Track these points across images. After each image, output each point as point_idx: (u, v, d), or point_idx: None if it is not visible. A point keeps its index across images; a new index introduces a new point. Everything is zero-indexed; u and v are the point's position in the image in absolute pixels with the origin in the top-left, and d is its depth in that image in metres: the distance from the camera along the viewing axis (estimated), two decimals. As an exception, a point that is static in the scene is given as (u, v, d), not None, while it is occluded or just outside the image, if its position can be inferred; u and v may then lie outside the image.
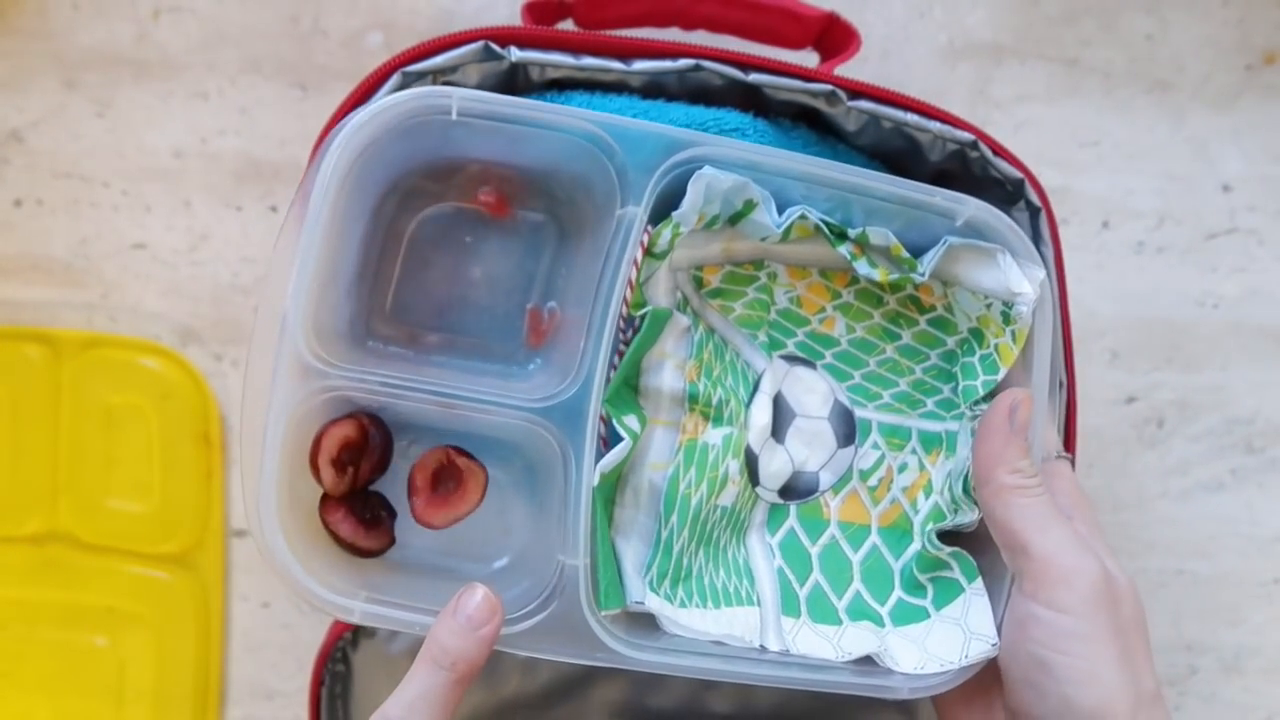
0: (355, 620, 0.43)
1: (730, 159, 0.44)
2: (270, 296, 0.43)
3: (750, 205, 0.46)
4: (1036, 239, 0.50)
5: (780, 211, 0.46)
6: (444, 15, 0.63)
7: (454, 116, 0.43)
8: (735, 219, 0.47)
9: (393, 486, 0.49)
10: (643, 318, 0.46)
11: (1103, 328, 0.64)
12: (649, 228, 0.45)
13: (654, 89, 0.50)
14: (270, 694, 0.66)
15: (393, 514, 0.49)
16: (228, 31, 0.63)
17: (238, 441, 0.64)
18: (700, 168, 0.44)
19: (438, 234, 0.49)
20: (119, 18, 0.63)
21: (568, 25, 0.57)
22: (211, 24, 0.63)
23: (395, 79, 0.47)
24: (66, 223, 0.64)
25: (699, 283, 0.49)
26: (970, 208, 0.45)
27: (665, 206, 0.45)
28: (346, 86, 0.49)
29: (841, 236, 0.47)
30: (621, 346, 0.47)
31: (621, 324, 0.46)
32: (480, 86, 0.49)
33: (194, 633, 0.65)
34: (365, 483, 0.48)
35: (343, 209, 0.45)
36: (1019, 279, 0.45)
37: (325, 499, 0.47)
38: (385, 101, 0.43)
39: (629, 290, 0.45)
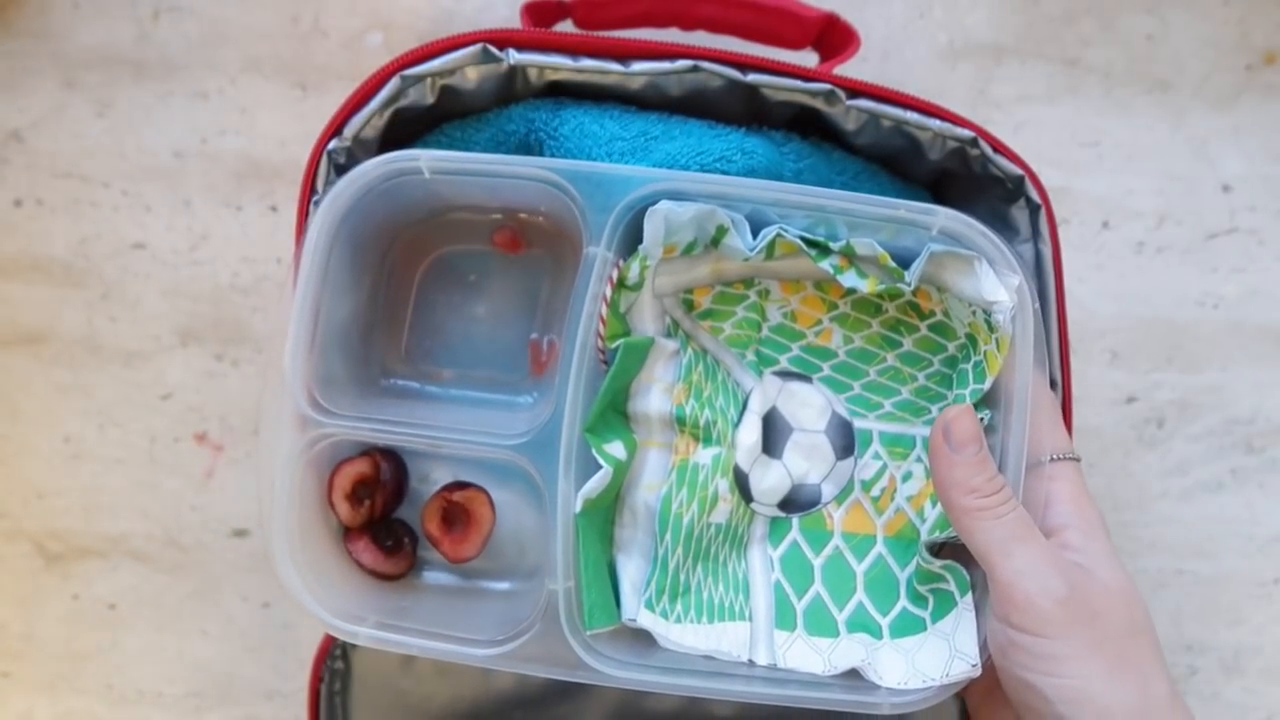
0: (361, 643, 0.47)
1: (689, 192, 0.45)
2: (274, 352, 0.47)
3: (722, 231, 0.46)
4: (1035, 236, 0.50)
5: (759, 229, 0.46)
6: (444, 15, 0.63)
7: (427, 175, 0.46)
8: (717, 242, 0.47)
9: (413, 511, 0.53)
10: (617, 349, 0.46)
11: (1103, 328, 0.64)
12: (619, 262, 0.46)
13: (654, 94, 0.49)
14: (270, 694, 0.66)
15: (414, 539, 0.52)
16: (228, 31, 0.63)
17: (238, 441, 0.64)
18: (656, 203, 0.45)
19: (445, 276, 0.53)
20: (119, 18, 0.63)
21: (567, 26, 0.57)
22: (211, 24, 0.63)
23: (395, 82, 0.48)
24: (66, 223, 0.64)
25: (689, 305, 0.50)
26: (940, 217, 0.45)
27: (639, 239, 0.46)
28: (346, 86, 0.49)
29: (825, 251, 0.46)
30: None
31: (601, 356, 0.47)
32: (479, 89, 0.49)
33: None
34: (384, 512, 0.51)
35: (343, 267, 0.48)
36: (994, 286, 0.44)
37: (348, 530, 0.51)
38: (357, 171, 0.46)
39: (601, 324, 0.46)
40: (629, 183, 0.45)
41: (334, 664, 0.57)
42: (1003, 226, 0.51)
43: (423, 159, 0.46)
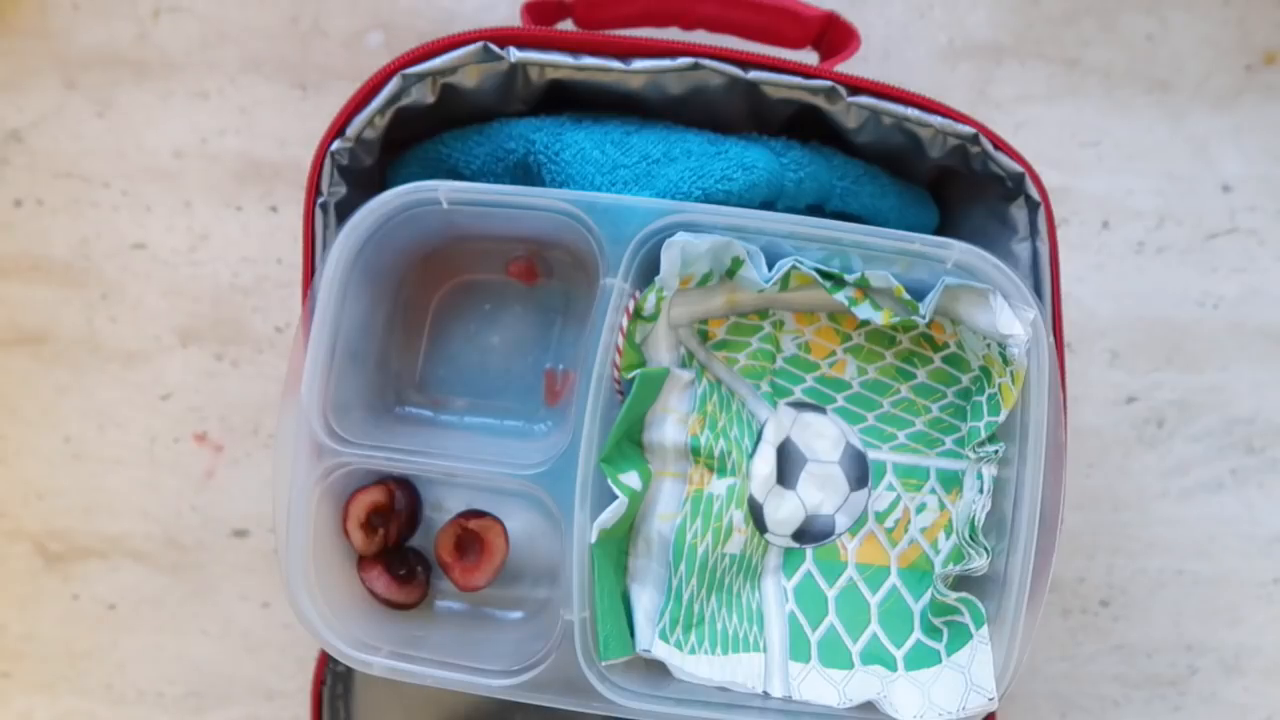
0: (375, 673, 0.47)
1: (706, 224, 0.45)
2: (290, 383, 0.47)
3: (738, 263, 0.46)
4: (1034, 234, 0.50)
5: (774, 261, 0.46)
6: (444, 15, 0.63)
7: (445, 206, 0.46)
8: (732, 273, 0.47)
9: (427, 540, 0.52)
10: (633, 379, 0.47)
11: (1103, 328, 0.64)
12: (635, 293, 0.46)
13: (655, 92, 0.49)
14: (270, 694, 0.66)
15: (428, 568, 0.52)
16: (228, 31, 0.63)
17: (238, 441, 0.64)
18: (674, 235, 0.45)
19: (460, 305, 0.53)
20: (119, 18, 0.63)
21: (567, 25, 0.57)
22: (211, 24, 0.63)
23: (396, 81, 0.47)
24: (66, 223, 0.64)
25: (704, 336, 0.50)
26: (955, 251, 0.45)
27: (655, 270, 0.46)
28: (346, 86, 0.49)
29: (840, 283, 0.47)
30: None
31: (617, 387, 0.47)
32: (480, 87, 0.49)
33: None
34: (398, 541, 0.51)
35: (360, 296, 0.48)
36: (1009, 320, 0.44)
37: (362, 558, 0.50)
38: (376, 201, 0.46)
39: (617, 355, 0.46)
40: (646, 214, 0.45)
41: (336, 667, 0.57)
42: (1001, 225, 0.51)
43: (441, 190, 0.46)
